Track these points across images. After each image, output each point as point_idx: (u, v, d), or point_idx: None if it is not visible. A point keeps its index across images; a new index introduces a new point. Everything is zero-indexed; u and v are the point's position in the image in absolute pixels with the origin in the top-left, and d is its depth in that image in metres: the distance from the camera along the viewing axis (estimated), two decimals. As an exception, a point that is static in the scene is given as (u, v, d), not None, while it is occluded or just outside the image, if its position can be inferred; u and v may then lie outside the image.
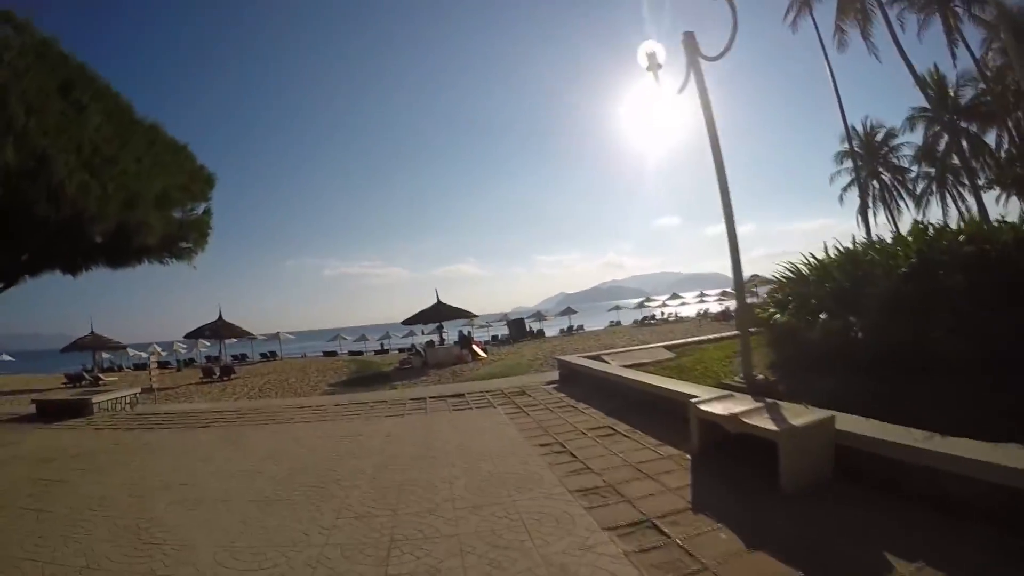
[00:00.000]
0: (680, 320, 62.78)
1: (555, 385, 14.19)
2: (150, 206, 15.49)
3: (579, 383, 13.63)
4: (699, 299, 73.33)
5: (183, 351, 64.26)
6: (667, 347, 16.92)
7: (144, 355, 67.03)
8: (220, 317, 40.10)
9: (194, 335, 41.87)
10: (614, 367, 13.21)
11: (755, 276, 51.29)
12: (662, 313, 71.69)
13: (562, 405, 11.38)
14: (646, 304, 76.18)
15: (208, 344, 59.90)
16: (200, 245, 18.69)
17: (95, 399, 16.15)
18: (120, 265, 18.11)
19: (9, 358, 73.28)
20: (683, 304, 72.82)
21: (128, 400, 17.65)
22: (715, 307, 66.71)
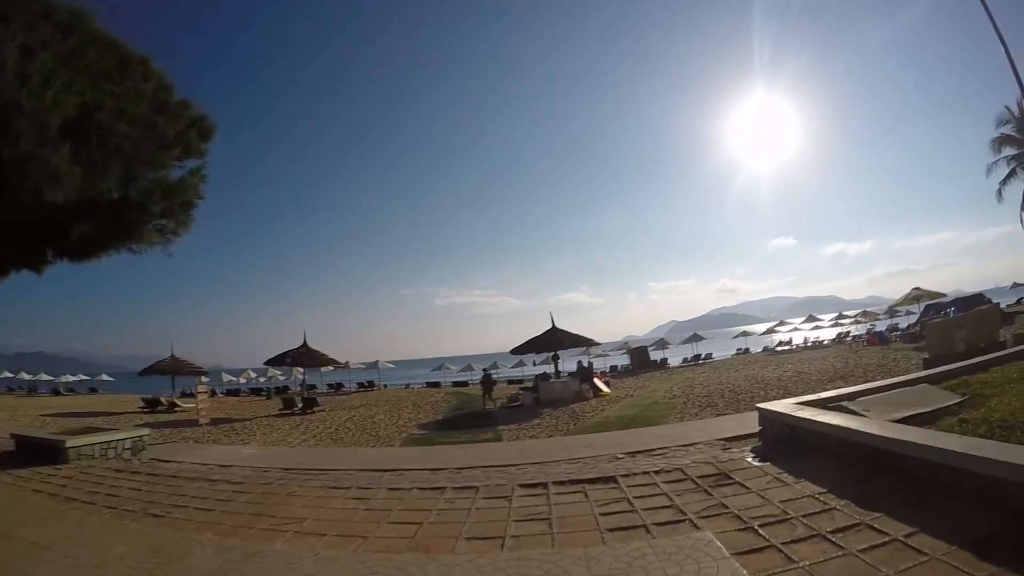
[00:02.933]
0: (821, 345, 54.73)
1: (757, 452, 8.76)
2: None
3: (809, 453, 7.83)
4: (833, 323, 65.18)
5: (282, 378, 61.08)
6: (923, 378, 11.23)
7: (241, 380, 64.81)
8: (304, 343, 35.84)
9: (274, 362, 37.89)
10: (895, 429, 7.08)
11: (916, 289, 43.83)
12: (790, 339, 63.36)
13: (847, 522, 5.41)
14: (776, 329, 68.52)
15: (303, 373, 56.84)
16: (183, 223, 13.40)
17: (71, 442, 12.52)
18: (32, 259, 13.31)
19: (109, 378, 73.30)
20: (816, 327, 64.49)
21: (127, 445, 13.63)
22: (854, 330, 59.88)
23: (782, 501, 6.05)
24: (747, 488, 6.66)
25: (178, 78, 12.68)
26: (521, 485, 7.73)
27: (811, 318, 66.54)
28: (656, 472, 7.84)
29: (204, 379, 58.56)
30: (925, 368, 19.88)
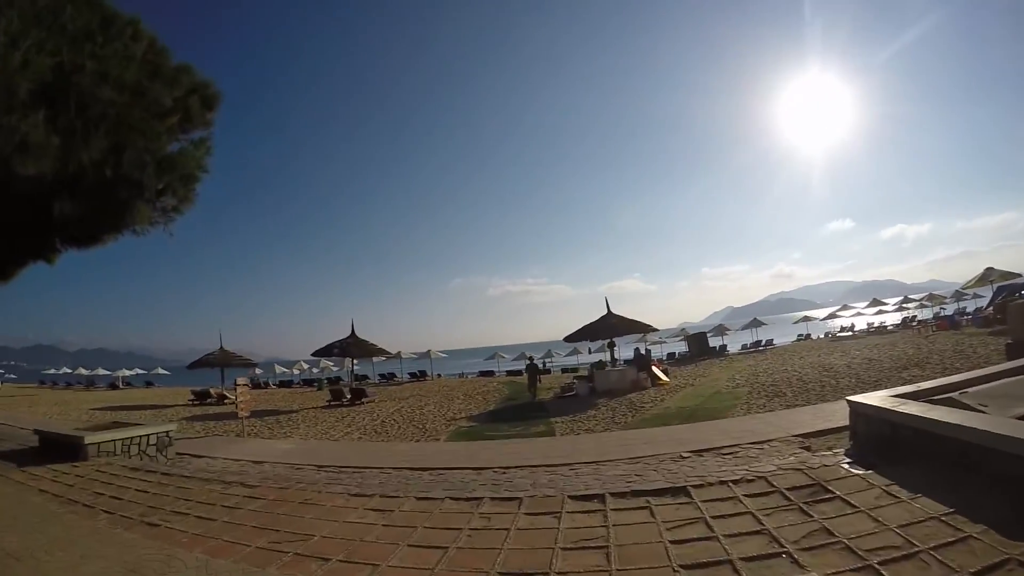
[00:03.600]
0: (885, 330, 52.20)
1: (852, 456, 7.22)
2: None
3: (918, 459, 6.36)
4: (898, 307, 62.68)
5: (334, 369, 60.81)
6: None
7: (295, 373, 64.79)
8: (352, 333, 34.86)
9: (321, 353, 37.10)
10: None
11: (989, 269, 41.38)
12: (852, 324, 60.64)
13: (993, 557, 4.05)
14: (838, 314, 66.06)
15: (357, 364, 56.53)
16: (185, 199, 12.35)
17: (90, 438, 11.76)
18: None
19: (165, 372, 74.29)
20: (880, 312, 61.60)
21: (151, 441, 12.89)
22: (920, 314, 58.32)
23: (901, 525, 4.70)
24: (852, 505, 5.31)
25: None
26: (573, 497, 6.43)
27: (875, 302, 63.75)
28: (735, 482, 6.46)
29: (257, 371, 59.38)
30: (1008, 354, 18.39)
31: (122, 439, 12.20)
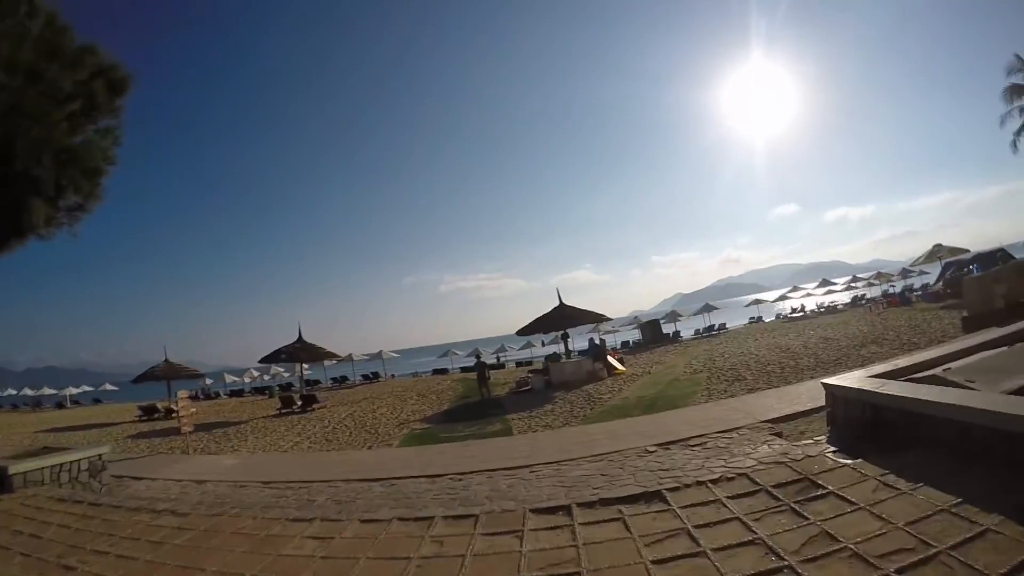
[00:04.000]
0: (835, 310, 53.10)
1: (836, 444, 6.75)
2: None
3: (909, 444, 5.88)
4: (847, 287, 64.13)
5: (286, 375, 59.41)
6: (1011, 336, 9.36)
7: (246, 381, 63.30)
8: (300, 338, 33.91)
9: (269, 360, 35.55)
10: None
11: (938, 246, 41.93)
12: (802, 305, 61.50)
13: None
14: (788, 296, 66.44)
15: (308, 369, 55.26)
16: (91, 195, 11.32)
17: (14, 468, 10.59)
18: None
19: (113, 388, 72.26)
20: (829, 292, 62.45)
21: (83, 466, 11.73)
22: (869, 292, 59.96)
23: (909, 523, 4.15)
24: (849, 502, 4.74)
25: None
26: (536, 511, 5.71)
27: (824, 282, 64.53)
28: (714, 482, 5.83)
29: (208, 381, 57.74)
30: (964, 327, 18.61)
31: (50, 466, 11.14)
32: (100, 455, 12.44)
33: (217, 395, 56.60)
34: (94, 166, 10.87)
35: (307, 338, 33.86)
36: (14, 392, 79.41)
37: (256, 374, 64.02)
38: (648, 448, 9.35)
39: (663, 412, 14.01)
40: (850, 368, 16.25)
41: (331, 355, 36.53)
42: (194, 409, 19.80)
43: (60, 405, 61.44)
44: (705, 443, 9.14)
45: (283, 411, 29.58)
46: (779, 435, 8.99)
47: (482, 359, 29.57)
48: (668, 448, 9.20)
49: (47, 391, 71.92)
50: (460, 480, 9.34)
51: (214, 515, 7.59)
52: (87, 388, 78.83)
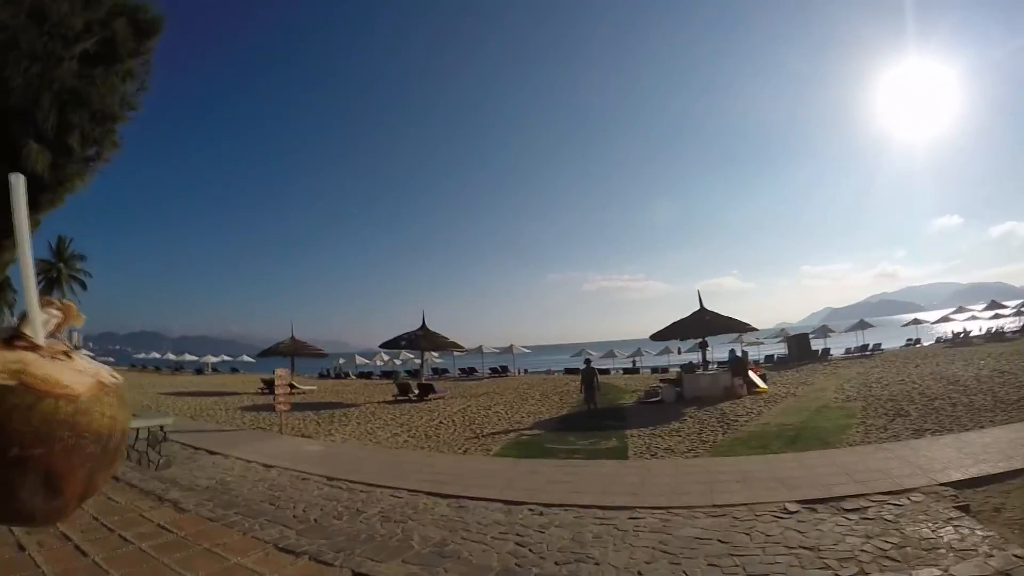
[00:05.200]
0: (1003, 337, 45.20)
1: None
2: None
3: None
4: (1017, 311, 54.95)
5: (416, 362, 58.97)
6: None
7: (377, 364, 63.42)
8: (423, 325, 32.91)
9: (389, 346, 34.92)
10: None
11: None
12: (964, 330, 53.63)
13: None
14: (951, 317, 59.26)
15: (439, 357, 54.52)
16: (106, 143, 10.10)
17: None
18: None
19: (250, 359, 74.45)
20: (996, 316, 53.94)
21: (140, 435, 11.00)
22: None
23: None
24: None
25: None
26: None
27: (993, 304, 56.80)
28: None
29: (340, 361, 58.31)
30: None
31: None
32: (162, 426, 11.77)
33: (347, 375, 56.97)
34: (106, 111, 9.74)
35: (439, 328, 32.79)
36: (159, 356, 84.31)
37: (387, 358, 63.67)
38: (788, 506, 7.00)
39: (809, 451, 11.42)
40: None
41: (453, 345, 35.26)
42: (295, 388, 19.04)
43: (199, 371, 64.80)
44: (865, 509, 6.74)
45: (398, 398, 28.50)
46: (965, 510, 6.53)
47: (591, 365, 24.25)
48: (814, 510, 6.85)
49: (188, 357, 75.12)
50: (540, 515, 7.44)
51: (209, 519, 6.71)
52: (226, 357, 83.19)
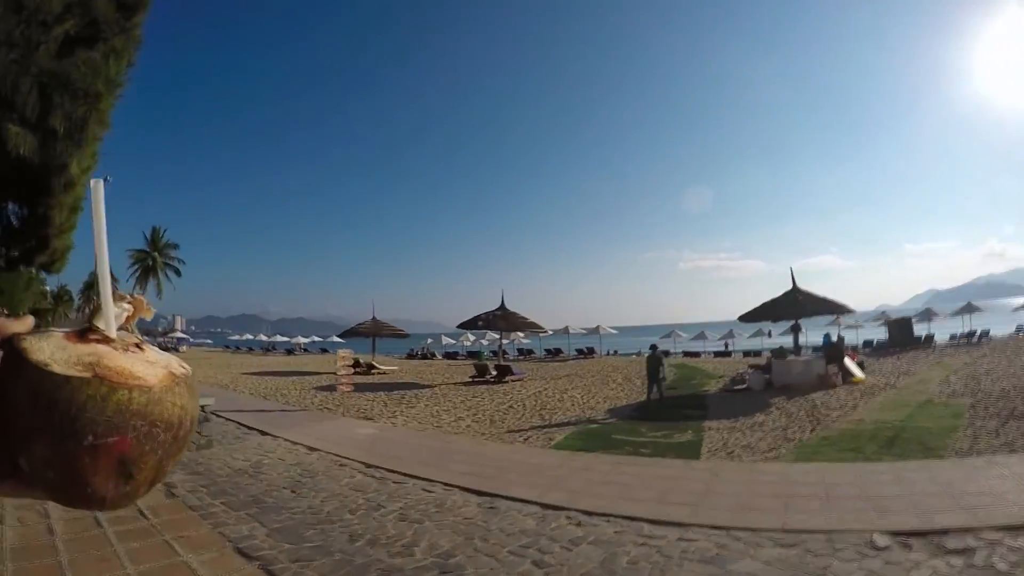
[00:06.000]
0: None
1: None
2: None
3: None
4: None
5: (505, 343, 58.32)
6: None
7: (464, 344, 63.21)
8: (502, 305, 31.68)
9: (467, 326, 34.46)
10: None
11: None
12: None
13: None
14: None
15: (525, 338, 53.73)
16: (95, 125, 9.62)
17: None
18: None
19: (339, 340, 76.08)
20: None
21: None
22: None
23: None
24: None
25: None
26: None
27: None
28: None
29: (428, 341, 58.43)
30: None
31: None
32: (204, 407, 11.27)
33: (433, 355, 56.85)
34: (89, 89, 9.36)
35: (525, 307, 31.78)
36: (252, 338, 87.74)
37: (472, 338, 63.15)
38: (876, 540, 5.65)
39: (908, 460, 9.79)
40: None
41: (534, 326, 34.20)
42: (375, 368, 18.48)
43: (290, 351, 67.12)
44: (973, 550, 5.32)
45: (476, 379, 27.82)
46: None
47: (657, 352, 21.11)
48: (908, 546, 5.48)
49: (279, 338, 77.66)
50: (576, 525, 6.44)
51: (190, 508, 6.61)
52: (316, 338, 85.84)
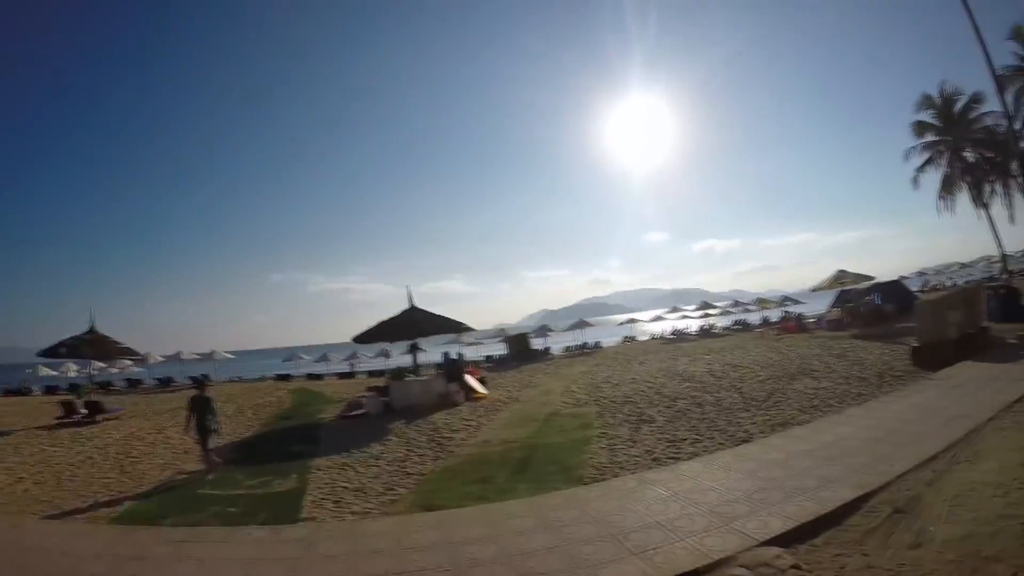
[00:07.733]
0: (713, 334, 50.20)
1: None
2: None
3: None
4: (723, 312, 63.83)
5: (114, 371, 51.34)
6: None
7: (67, 375, 54.82)
8: (91, 328, 26.29)
9: (49, 354, 26.63)
10: None
11: (842, 271, 38.90)
12: (675, 328, 58.39)
13: None
14: (663, 317, 63.96)
15: (133, 365, 48.42)
16: None
17: None
18: None
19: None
20: (705, 316, 60.39)
21: None
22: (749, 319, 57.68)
23: None
24: None
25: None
26: None
27: (704, 305, 62.90)
28: None
29: (27, 371, 49.50)
30: (915, 359, 17.37)
31: None
32: None
33: (30, 390, 47.66)
34: None
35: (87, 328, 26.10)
36: None
37: (76, 368, 54.40)
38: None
39: (547, 491, 9.04)
40: (802, 410, 13.00)
41: (127, 352, 29.32)
42: None
43: None
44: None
45: (63, 420, 22.84)
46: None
47: (205, 392, 14.41)
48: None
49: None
50: None
51: None
52: None
